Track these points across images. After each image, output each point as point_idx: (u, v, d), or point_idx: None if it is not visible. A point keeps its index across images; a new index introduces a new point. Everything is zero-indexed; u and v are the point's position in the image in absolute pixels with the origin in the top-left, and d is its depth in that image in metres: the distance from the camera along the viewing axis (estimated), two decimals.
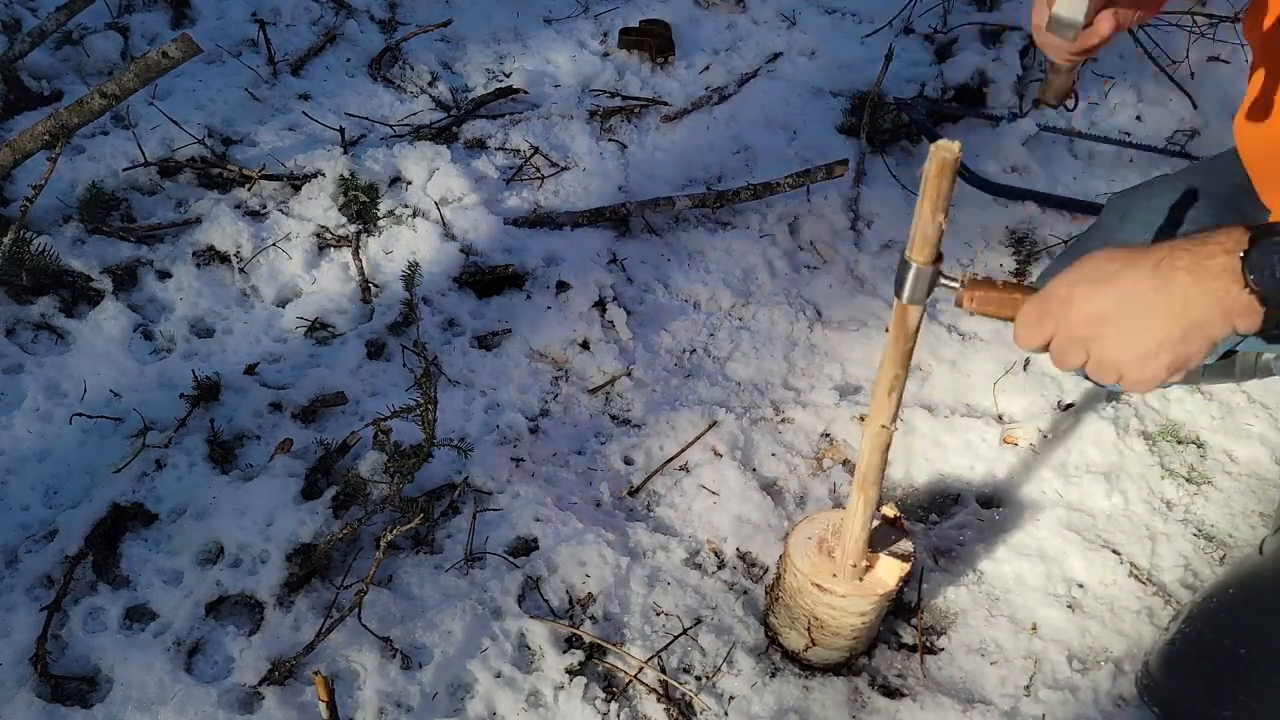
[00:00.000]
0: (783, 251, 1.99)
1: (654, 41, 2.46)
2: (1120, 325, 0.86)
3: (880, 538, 1.26)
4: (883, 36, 2.55)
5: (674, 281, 1.92)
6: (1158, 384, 0.87)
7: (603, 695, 1.29)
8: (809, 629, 1.27)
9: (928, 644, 1.37)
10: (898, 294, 0.96)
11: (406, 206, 1.95)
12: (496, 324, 1.80)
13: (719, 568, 1.46)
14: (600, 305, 1.84)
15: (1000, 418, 1.68)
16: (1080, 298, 0.87)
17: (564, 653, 1.33)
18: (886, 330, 1.13)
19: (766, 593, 1.40)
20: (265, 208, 1.94)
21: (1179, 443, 1.65)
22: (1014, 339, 0.93)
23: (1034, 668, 1.35)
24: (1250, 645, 1.15)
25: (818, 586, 1.21)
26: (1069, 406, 1.68)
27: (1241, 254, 0.81)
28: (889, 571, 1.22)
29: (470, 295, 1.83)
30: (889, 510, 1.27)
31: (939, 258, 0.93)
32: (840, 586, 1.21)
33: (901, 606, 1.40)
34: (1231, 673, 1.17)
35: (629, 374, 1.74)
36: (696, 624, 1.37)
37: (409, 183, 1.99)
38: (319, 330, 1.76)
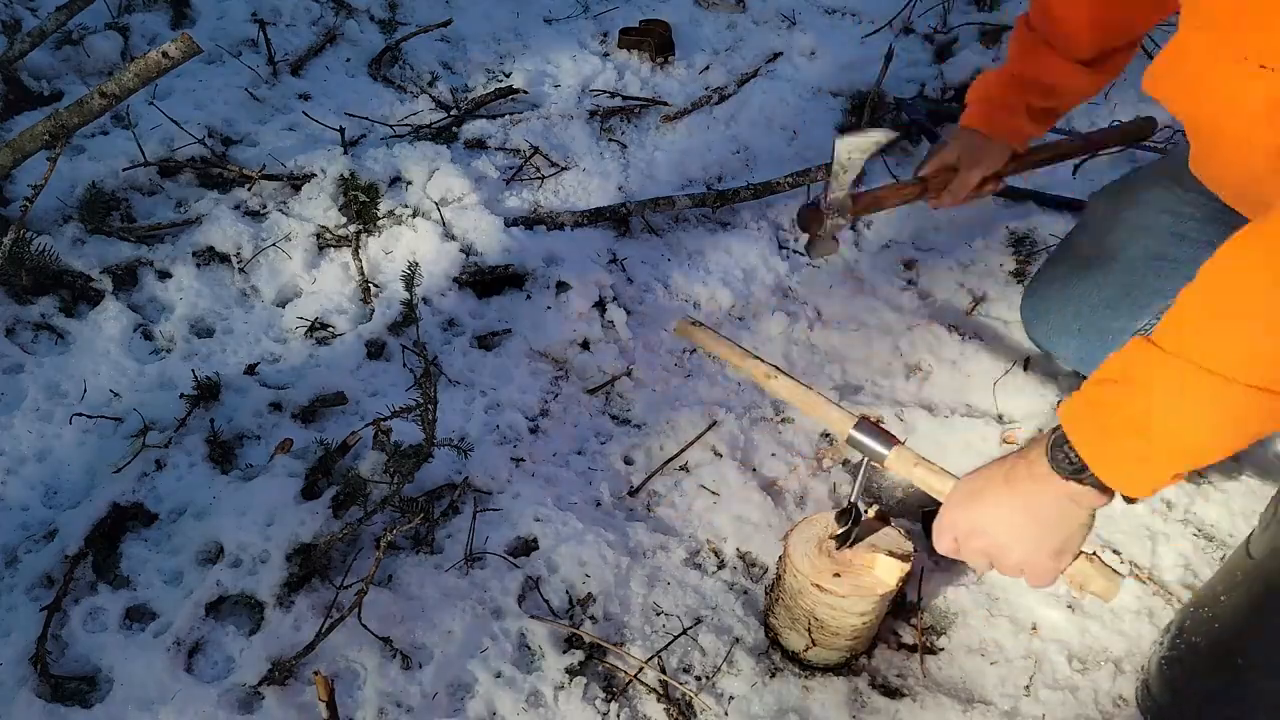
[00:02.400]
0: (783, 251, 1.99)
1: (654, 41, 2.46)
2: (1001, 538, 1.00)
3: (879, 537, 1.26)
4: (883, 36, 2.55)
5: (674, 281, 1.92)
6: (1056, 576, 1.01)
7: (603, 695, 1.30)
8: (809, 629, 1.27)
9: (928, 644, 1.37)
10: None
11: (406, 206, 1.95)
12: (496, 324, 1.80)
13: (719, 568, 1.46)
14: (600, 305, 1.84)
15: (1000, 418, 1.68)
16: (963, 521, 1.03)
17: (564, 653, 1.33)
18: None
19: (766, 593, 1.40)
20: (265, 208, 1.94)
21: None
22: (933, 542, 1.08)
23: (1034, 668, 1.35)
24: (1244, 652, 1.15)
25: (818, 587, 1.21)
26: (1052, 405, 1.68)
27: (1048, 457, 0.95)
28: (889, 571, 1.22)
29: (470, 295, 1.83)
30: (870, 513, 1.27)
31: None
32: (840, 587, 1.21)
33: (901, 606, 1.40)
34: (1229, 683, 1.17)
35: (629, 374, 1.74)
36: (696, 624, 1.37)
37: (409, 183, 1.99)
38: (319, 330, 1.76)
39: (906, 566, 1.22)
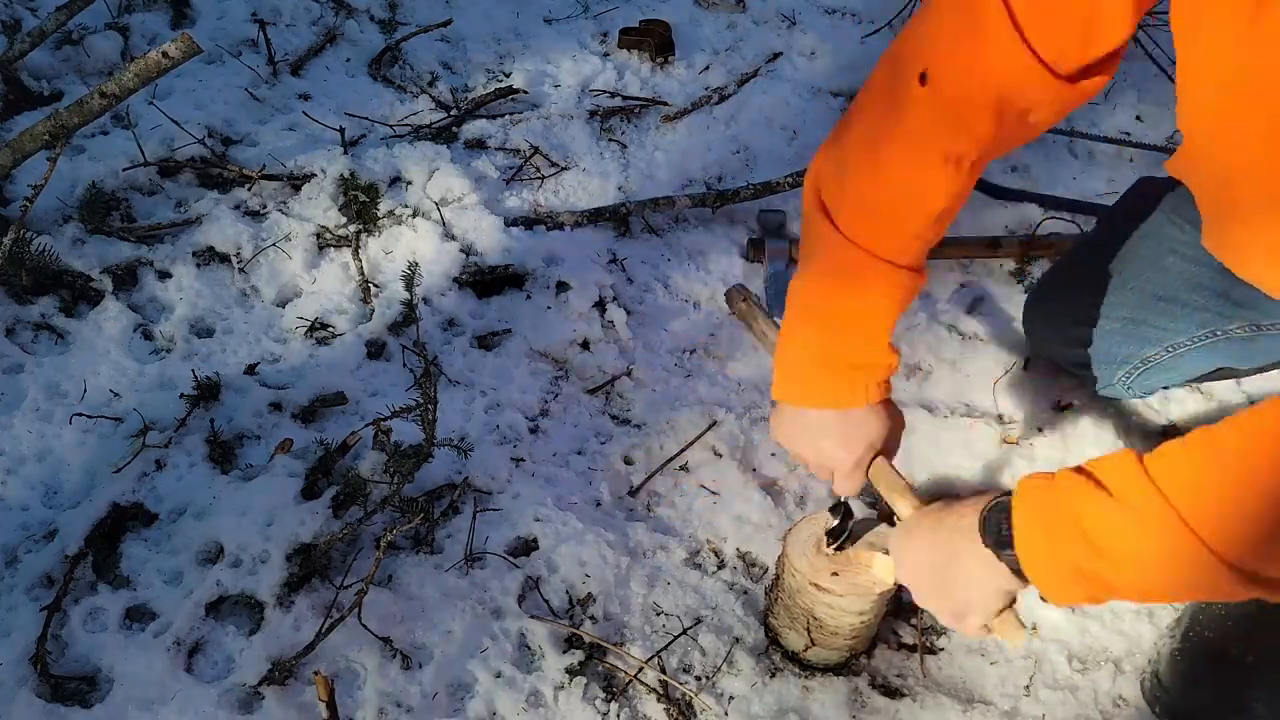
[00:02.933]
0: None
1: (654, 41, 2.46)
2: (914, 580, 1.08)
3: (877, 536, 1.26)
4: (883, 36, 2.55)
5: (674, 281, 1.92)
6: (968, 631, 1.05)
7: (603, 695, 1.30)
8: (808, 629, 1.27)
9: (928, 644, 1.37)
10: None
11: (406, 206, 1.95)
12: (496, 324, 1.80)
13: (719, 568, 1.46)
14: (600, 305, 1.84)
15: (1000, 418, 1.68)
16: (894, 554, 1.11)
17: (564, 653, 1.33)
18: None
19: (766, 593, 1.40)
20: (265, 208, 1.94)
21: None
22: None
23: (1034, 668, 1.36)
24: (1257, 650, 1.15)
25: (815, 586, 1.21)
26: (1067, 406, 1.68)
27: (981, 514, 0.97)
28: (886, 570, 1.22)
29: (470, 295, 1.83)
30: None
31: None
32: (838, 586, 1.21)
33: (901, 606, 1.40)
34: (1241, 680, 1.17)
35: (629, 374, 1.74)
36: (696, 624, 1.37)
37: (409, 183, 1.99)
38: (319, 330, 1.76)
39: (841, 601, 1.21)
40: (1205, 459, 0.82)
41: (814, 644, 1.29)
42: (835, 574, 1.22)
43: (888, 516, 1.28)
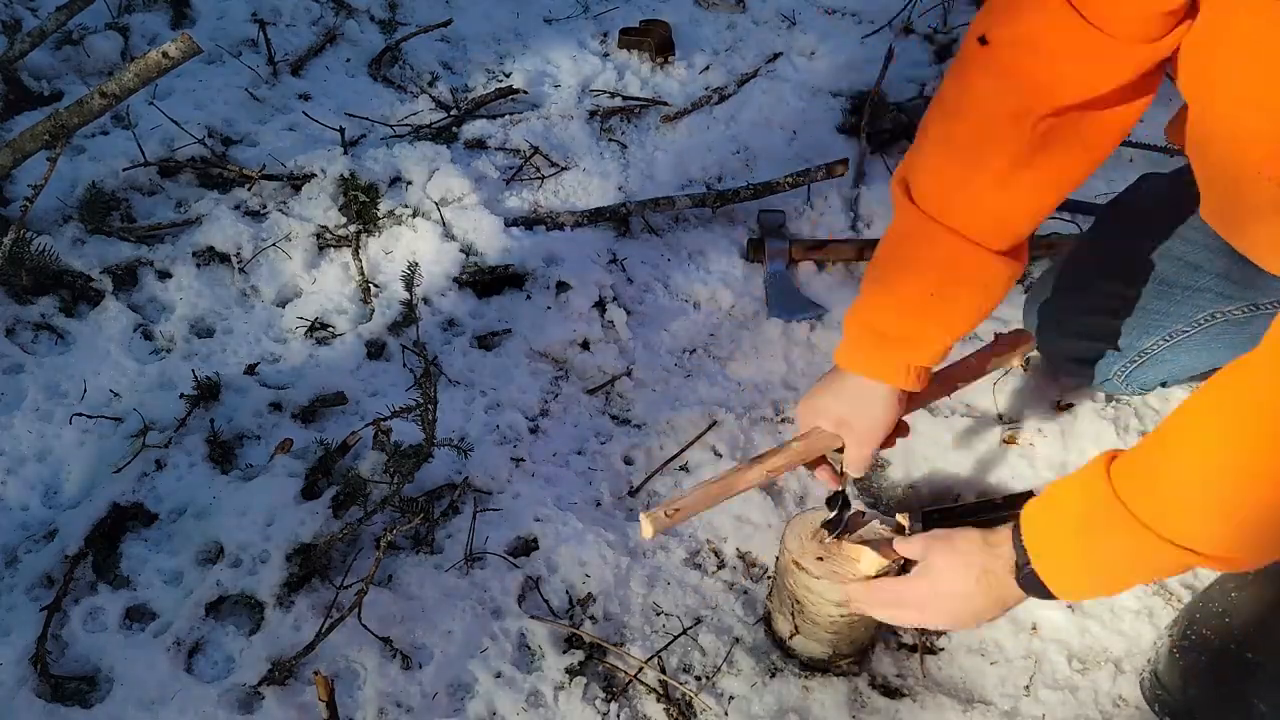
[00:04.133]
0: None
1: (654, 41, 2.46)
2: (962, 619, 1.11)
3: (879, 539, 1.26)
4: (883, 37, 2.55)
5: (674, 281, 1.92)
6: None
7: (603, 695, 1.30)
8: (792, 613, 1.28)
9: (927, 644, 1.37)
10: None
11: (406, 206, 1.95)
12: (496, 324, 1.80)
13: (719, 568, 1.46)
14: (600, 305, 1.84)
15: (1000, 418, 1.68)
16: (939, 605, 1.11)
17: (564, 653, 1.33)
18: None
19: (769, 578, 1.41)
20: (265, 208, 1.94)
21: None
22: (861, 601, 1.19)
23: (1034, 667, 1.36)
24: (1256, 648, 1.15)
25: (796, 564, 1.23)
26: (1067, 407, 1.68)
27: (1018, 580, 1.03)
28: (870, 564, 1.22)
29: (470, 295, 1.83)
30: (902, 518, 1.27)
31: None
32: (817, 569, 1.23)
33: None
34: (1242, 678, 1.17)
35: (629, 374, 1.74)
36: (696, 624, 1.37)
37: (409, 183, 1.99)
38: (319, 330, 1.76)
39: (886, 563, 1.22)
40: (1154, 455, 0.91)
41: (798, 630, 1.30)
42: (820, 559, 1.24)
43: (903, 529, 1.28)
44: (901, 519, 1.27)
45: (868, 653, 1.35)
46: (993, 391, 1.71)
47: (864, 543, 1.24)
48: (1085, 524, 0.94)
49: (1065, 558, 0.98)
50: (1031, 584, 1.01)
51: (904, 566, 1.23)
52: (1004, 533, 1.04)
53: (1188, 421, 0.89)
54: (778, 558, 1.30)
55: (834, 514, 1.25)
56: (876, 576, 1.21)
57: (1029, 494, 1.51)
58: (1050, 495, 1.00)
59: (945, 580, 1.09)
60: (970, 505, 1.43)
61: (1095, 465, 0.94)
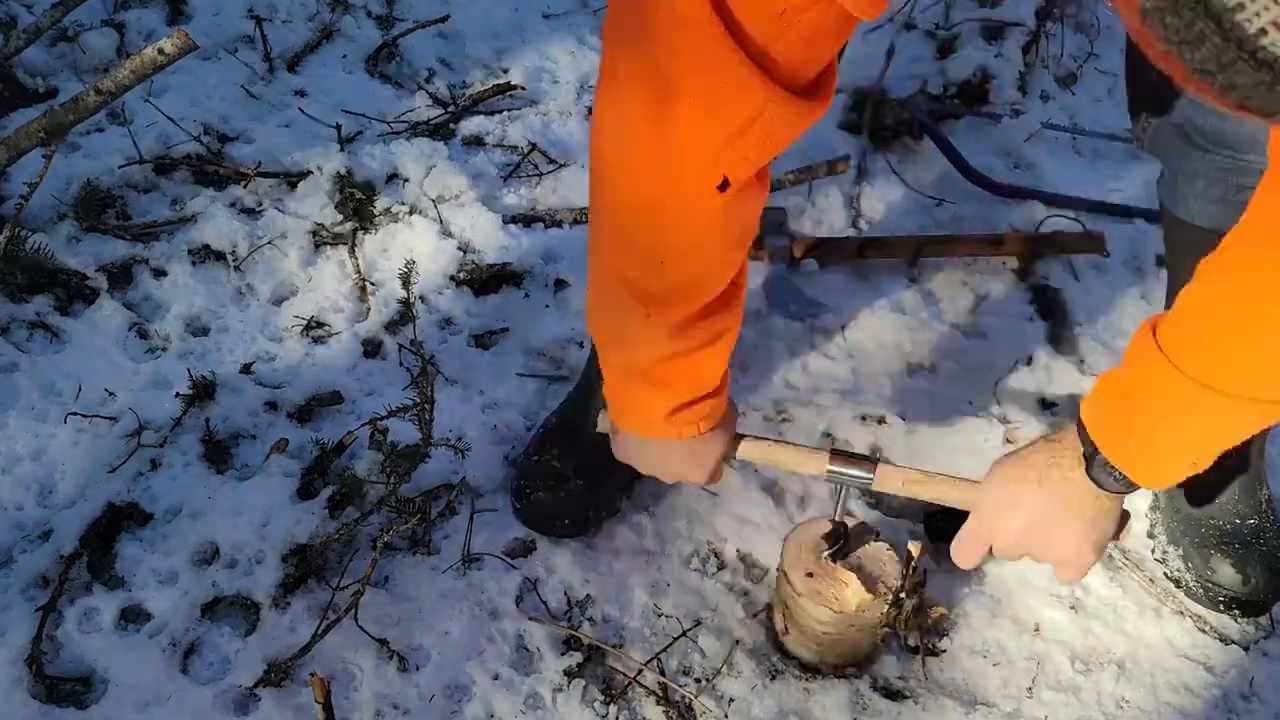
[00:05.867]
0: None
1: None
2: (1044, 536, 1.05)
3: (876, 563, 1.25)
4: (883, 33, 2.54)
5: None
6: (1091, 566, 1.09)
7: (601, 697, 1.29)
8: (784, 615, 1.29)
9: (929, 646, 1.36)
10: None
11: (403, 204, 1.94)
12: (494, 322, 1.79)
13: (719, 569, 1.45)
14: None
15: (1003, 417, 1.67)
16: (1003, 530, 1.08)
17: (562, 654, 1.33)
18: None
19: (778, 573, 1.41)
20: (261, 205, 1.93)
21: None
22: (953, 557, 1.15)
23: (1036, 669, 1.35)
24: None
25: (783, 573, 1.23)
26: (1052, 406, 1.68)
27: (1088, 474, 1.01)
28: (853, 596, 1.21)
29: (467, 293, 1.82)
30: (913, 548, 1.24)
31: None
32: (800, 585, 1.22)
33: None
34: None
35: None
36: (696, 626, 1.36)
37: (406, 180, 1.98)
38: (315, 329, 1.75)
39: (869, 600, 1.20)
40: (1222, 334, 0.88)
41: (788, 631, 1.30)
42: (810, 575, 1.23)
43: (912, 559, 1.25)
44: (913, 548, 1.24)
45: (871, 656, 1.34)
46: (995, 391, 1.70)
47: (860, 568, 1.23)
48: (1147, 399, 0.92)
49: (1136, 438, 0.96)
50: (1106, 475, 0.98)
51: (896, 599, 1.22)
52: (1067, 429, 1.02)
53: (1219, 277, 0.89)
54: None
55: (834, 539, 1.24)
56: (856, 610, 1.20)
57: None
58: (1107, 381, 0.98)
59: (1008, 494, 1.05)
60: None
61: (1143, 339, 0.92)
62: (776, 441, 1.25)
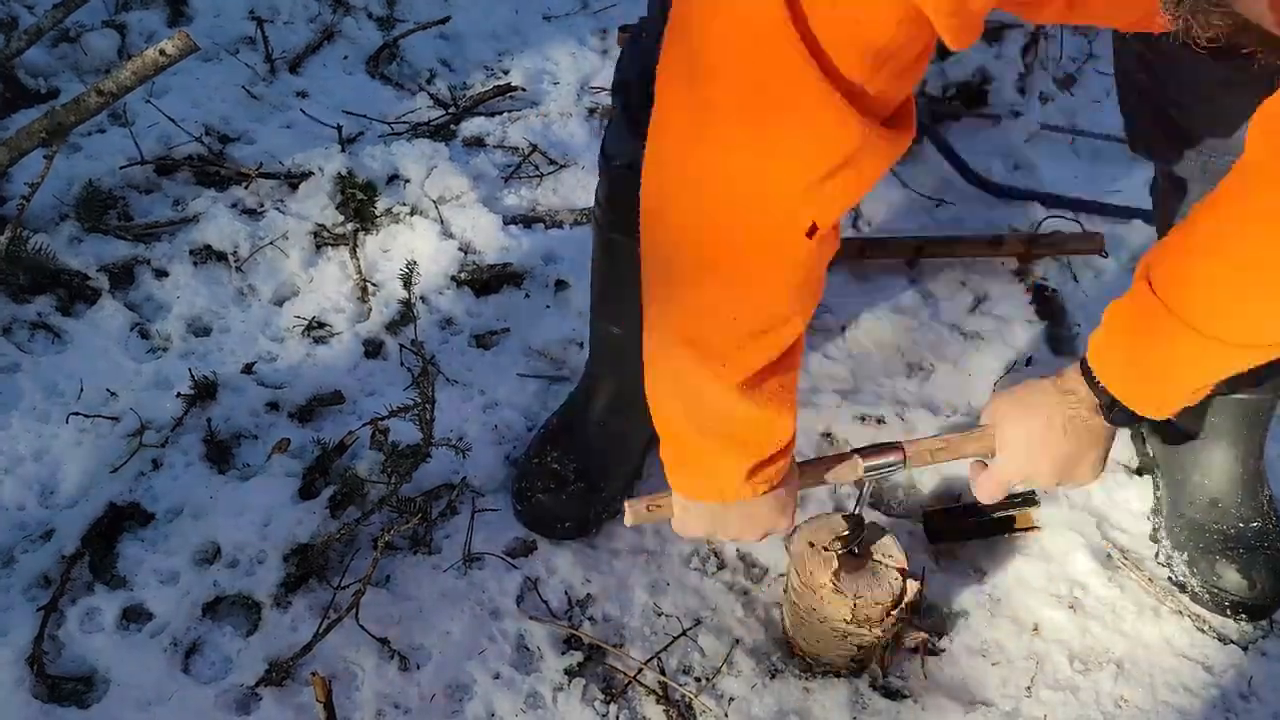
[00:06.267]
0: None
1: None
2: (1074, 470, 1.12)
3: (876, 581, 1.24)
4: None
5: None
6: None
7: (602, 697, 1.29)
8: (794, 611, 1.31)
9: (929, 645, 1.37)
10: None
11: (404, 205, 1.94)
12: (494, 323, 1.79)
13: (719, 569, 1.45)
14: None
15: None
16: (1034, 470, 1.13)
17: (563, 654, 1.33)
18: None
19: (782, 575, 1.41)
20: (262, 206, 1.93)
21: None
22: (976, 493, 1.19)
23: (1035, 669, 1.35)
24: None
25: (797, 571, 1.24)
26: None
27: (1110, 420, 1.07)
28: (837, 606, 1.22)
29: (468, 294, 1.82)
30: (911, 586, 1.24)
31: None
32: (794, 579, 1.23)
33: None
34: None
35: None
36: (696, 625, 1.37)
37: (407, 181, 1.99)
38: (316, 329, 1.75)
39: (850, 604, 1.20)
40: (1219, 284, 0.92)
41: (797, 627, 1.31)
42: (812, 572, 1.23)
43: (921, 586, 1.26)
44: (911, 587, 1.24)
45: (871, 656, 1.35)
46: (994, 391, 1.70)
47: (857, 572, 1.23)
48: (1147, 341, 0.98)
49: (1145, 383, 1.01)
50: (1124, 418, 1.05)
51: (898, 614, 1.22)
52: (1073, 376, 1.07)
53: (1210, 228, 0.93)
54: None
55: (854, 534, 1.23)
56: (842, 621, 1.21)
57: (1030, 495, 1.50)
58: (1109, 326, 1.03)
59: (1034, 444, 1.10)
60: (973, 505, 1.43)
61: (1139, 284, 0.97)
62: (811, 463, 1.21)
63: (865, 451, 1.18)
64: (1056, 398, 1.07)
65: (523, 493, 1.44)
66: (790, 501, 1.14)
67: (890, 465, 1.18)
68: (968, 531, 1.48)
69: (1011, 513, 1.48)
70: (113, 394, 1.59)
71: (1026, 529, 1.48)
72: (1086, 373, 1.05)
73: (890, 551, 1.26)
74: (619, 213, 1.25)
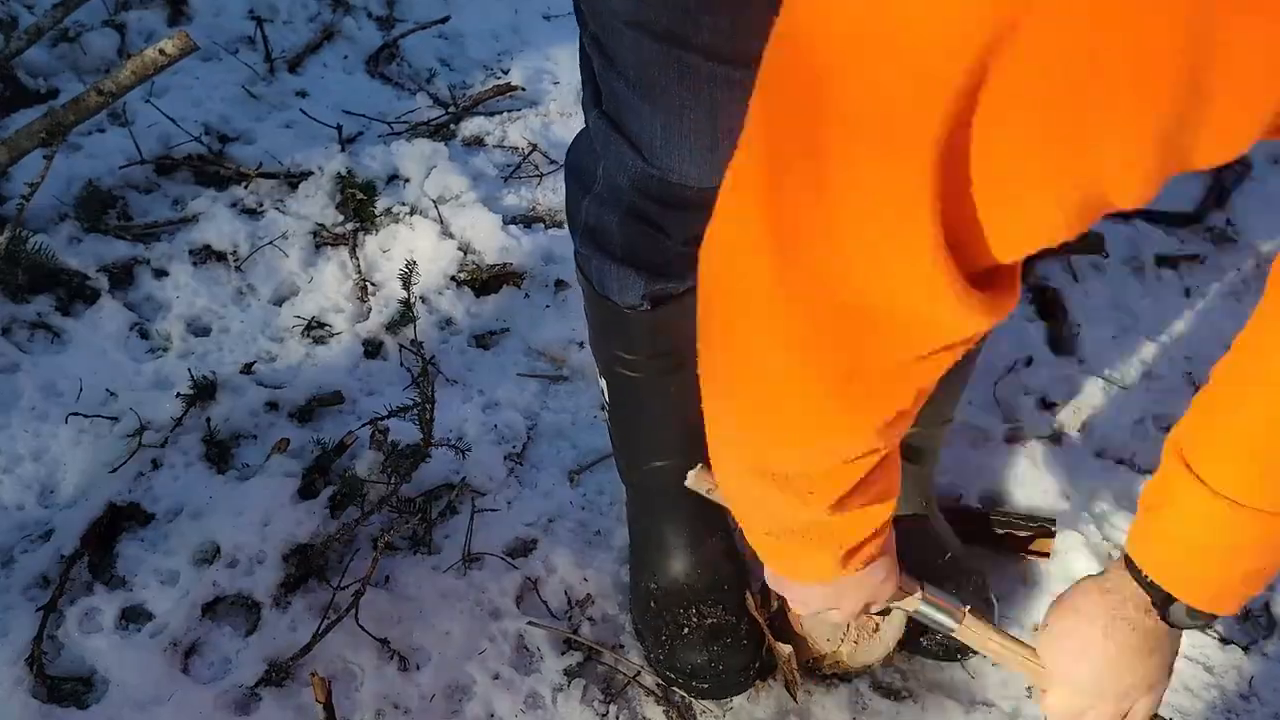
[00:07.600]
0: None
1: None
2: (1142, 699, 0.98)
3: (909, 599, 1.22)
4: None
5: None
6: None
7: (601, 697, 1.29)
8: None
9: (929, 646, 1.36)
10: None
11: (404, 204, 1.94)
12: (494, 323, 1.79)
13: None
14: None
15: (1003, 418, 1.67)
16: (1093, 701, 0.97)
17: (562, 654, 1.33)
18: None
19: None
20: (262, 206, 1.93)
21: None
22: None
23: None
24: None
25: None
26: (1052, 406, 1.68)
27: (1166, 620, 0.93)
28: (821, 634, 1.22)
29: (468, 293, 1.82)
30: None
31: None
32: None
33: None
34: None
35: None
36: None
37: (406, 180, 1.99)
38: (316, 329, 1.75)
39: (832, 651, 1.21)
40: (1215, 423, 0.84)
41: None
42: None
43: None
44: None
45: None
46: (993, 391, 1.70)
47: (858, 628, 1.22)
48: (1204, 534, 0.86)
49: (1205, 574, 0.90)
50: (1183, 616, 0.92)
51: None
52: (1115, 575, 0.95)
53: (1233, 392, 0.83)
54: None
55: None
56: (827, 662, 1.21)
57: (1048, 522, 1.47)
58: (1150, 521, 0.91)
59: (1075, 656, 0.97)
60: (984, 512, 1.43)
61: (1173, 463, 0.86)
62: None
63: (931, 592, 1.09)
64: (1098, 600, 0.95)
65: (698, 671, 1.28)
66: (892, 565, 1.04)
67: (939, 622, 1.09)
68: (975, 535, 1.47)
69: (1026, 534, 1.46)
70: (112, 394, 1.59)
71: (1041, 554, 1.45)
72: (1131, 568, 0.93)
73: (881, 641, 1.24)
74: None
